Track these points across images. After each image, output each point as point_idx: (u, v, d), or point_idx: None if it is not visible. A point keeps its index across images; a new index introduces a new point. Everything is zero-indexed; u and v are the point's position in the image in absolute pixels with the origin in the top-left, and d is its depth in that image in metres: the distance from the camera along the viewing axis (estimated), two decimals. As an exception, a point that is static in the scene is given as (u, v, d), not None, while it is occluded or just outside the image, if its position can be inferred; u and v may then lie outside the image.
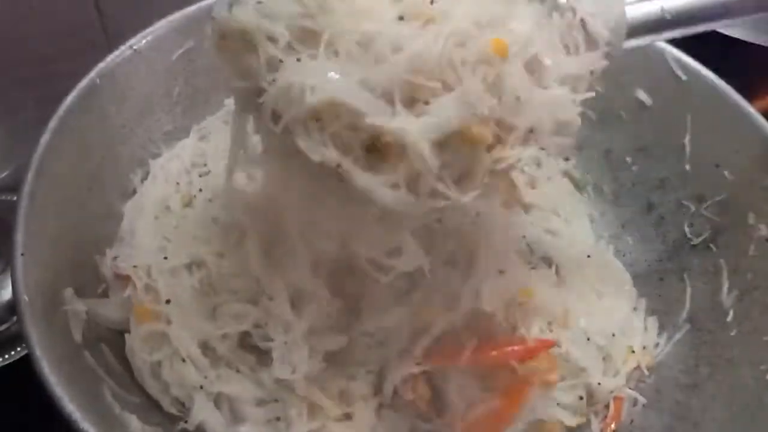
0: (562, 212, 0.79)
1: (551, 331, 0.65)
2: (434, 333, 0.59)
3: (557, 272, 0.72)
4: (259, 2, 0.47)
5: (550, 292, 0.66)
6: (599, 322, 0.68)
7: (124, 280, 0.63)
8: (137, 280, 0.62)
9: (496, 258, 0.62)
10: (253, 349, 0.61)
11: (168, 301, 0.62)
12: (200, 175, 0.73)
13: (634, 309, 0.73)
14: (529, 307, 0.62)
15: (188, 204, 0.71)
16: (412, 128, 0.43)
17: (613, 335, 0.68)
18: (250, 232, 0.61)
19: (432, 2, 0.44)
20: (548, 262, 0.73)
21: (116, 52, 0.69)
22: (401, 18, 0.44)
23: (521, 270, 0.63)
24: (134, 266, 0.63)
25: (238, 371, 0.61)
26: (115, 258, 0.65)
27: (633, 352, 0.68)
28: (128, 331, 0.62)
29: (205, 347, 0.61)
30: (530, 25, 0.47)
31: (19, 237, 0.55)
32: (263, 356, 0.60)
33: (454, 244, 0.62)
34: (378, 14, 0.44)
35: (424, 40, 0.43)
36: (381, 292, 0.60)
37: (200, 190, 0.71)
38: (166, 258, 0.64)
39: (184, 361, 0.60)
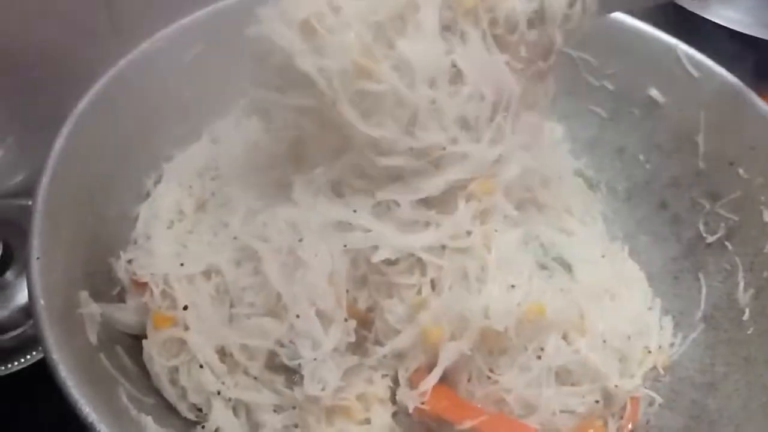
0: (575, 212, 0.78)
1: (568, 342, 0.64)
2: (443, 364, 0.58)
3: (571, 272, 0.71)
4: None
5: (564, 300, 0.65)
6: (615, 323, 0.67)
7: (141, 286, 0.63)
8: (154, 287, 0.62)
9: (508, 272, 0.61)
10: (280, 368, 0.60)
11: (185, 308, 0.61)
12: (212, 179, 0.73)
13: (649, 308, 0.72)
14: (542, 323, 0.61)
15: (201, 207, 0.71)
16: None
17: (629, 337, 0.67)
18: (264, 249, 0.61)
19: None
20: (561, 262, 0.72)
21: (128, 57, 0.69)
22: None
23: (534, 282, 0.62)
24: (151, 273, 0.63)
25: (256, 379, 0.61)
26: (129, 261, 0.65)
27: (649, 352, 0.68)
28: (144, 336, 0.62)
29: (223, 353, 0.60)
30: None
31: (35, 241, 0.55)
32: (291, 374, 0.60)
33: (464, 258, 0.61)
34: None
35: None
36: (392, 308, 0.60)
37: (212, 193, 0.72)
38: (182, 265, 0.64)
39: (201, 367, 0.60)
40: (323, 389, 0.57)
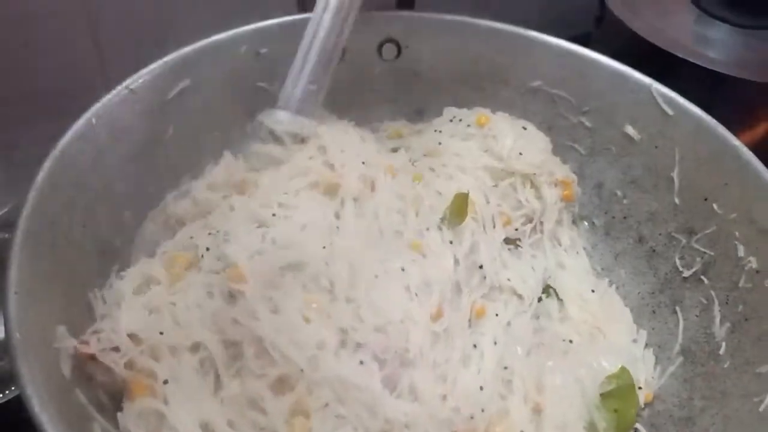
0: (564, 245, 0.79)
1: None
2: None
3: (563, 308, 0.72)
4: None
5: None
6: (613, 365, 0.67)
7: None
8: (133, 354, 0.57)
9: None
10: None
11: (166, 382, 0.56)
12: (209, 234, 0.67)
13: (635, 341, 0.72)
14: None
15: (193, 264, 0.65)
16: None
17: None
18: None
19: None
20: (554, 294, 0.73)
21: (112, 92, 0.69)
22: None
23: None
24: (129, 335, 0.58)
25: None
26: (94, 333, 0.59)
27: (639, 388, 0.67)
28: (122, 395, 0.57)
29: (206, 429, 0.55)
30: None
31: (13, 274, 0.55)
32: None
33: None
34: None
35: None
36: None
37: (207, 249, 0.65)
38: (161, 333, 0.58)
39: None
40: None
